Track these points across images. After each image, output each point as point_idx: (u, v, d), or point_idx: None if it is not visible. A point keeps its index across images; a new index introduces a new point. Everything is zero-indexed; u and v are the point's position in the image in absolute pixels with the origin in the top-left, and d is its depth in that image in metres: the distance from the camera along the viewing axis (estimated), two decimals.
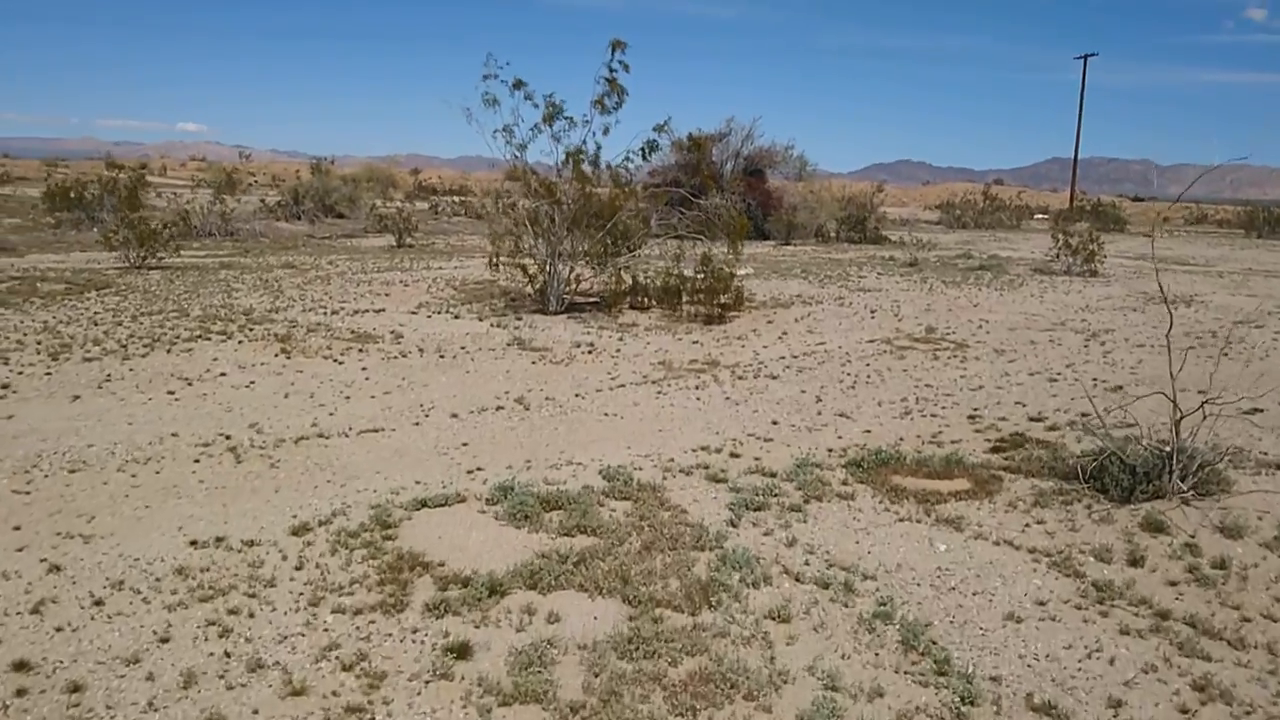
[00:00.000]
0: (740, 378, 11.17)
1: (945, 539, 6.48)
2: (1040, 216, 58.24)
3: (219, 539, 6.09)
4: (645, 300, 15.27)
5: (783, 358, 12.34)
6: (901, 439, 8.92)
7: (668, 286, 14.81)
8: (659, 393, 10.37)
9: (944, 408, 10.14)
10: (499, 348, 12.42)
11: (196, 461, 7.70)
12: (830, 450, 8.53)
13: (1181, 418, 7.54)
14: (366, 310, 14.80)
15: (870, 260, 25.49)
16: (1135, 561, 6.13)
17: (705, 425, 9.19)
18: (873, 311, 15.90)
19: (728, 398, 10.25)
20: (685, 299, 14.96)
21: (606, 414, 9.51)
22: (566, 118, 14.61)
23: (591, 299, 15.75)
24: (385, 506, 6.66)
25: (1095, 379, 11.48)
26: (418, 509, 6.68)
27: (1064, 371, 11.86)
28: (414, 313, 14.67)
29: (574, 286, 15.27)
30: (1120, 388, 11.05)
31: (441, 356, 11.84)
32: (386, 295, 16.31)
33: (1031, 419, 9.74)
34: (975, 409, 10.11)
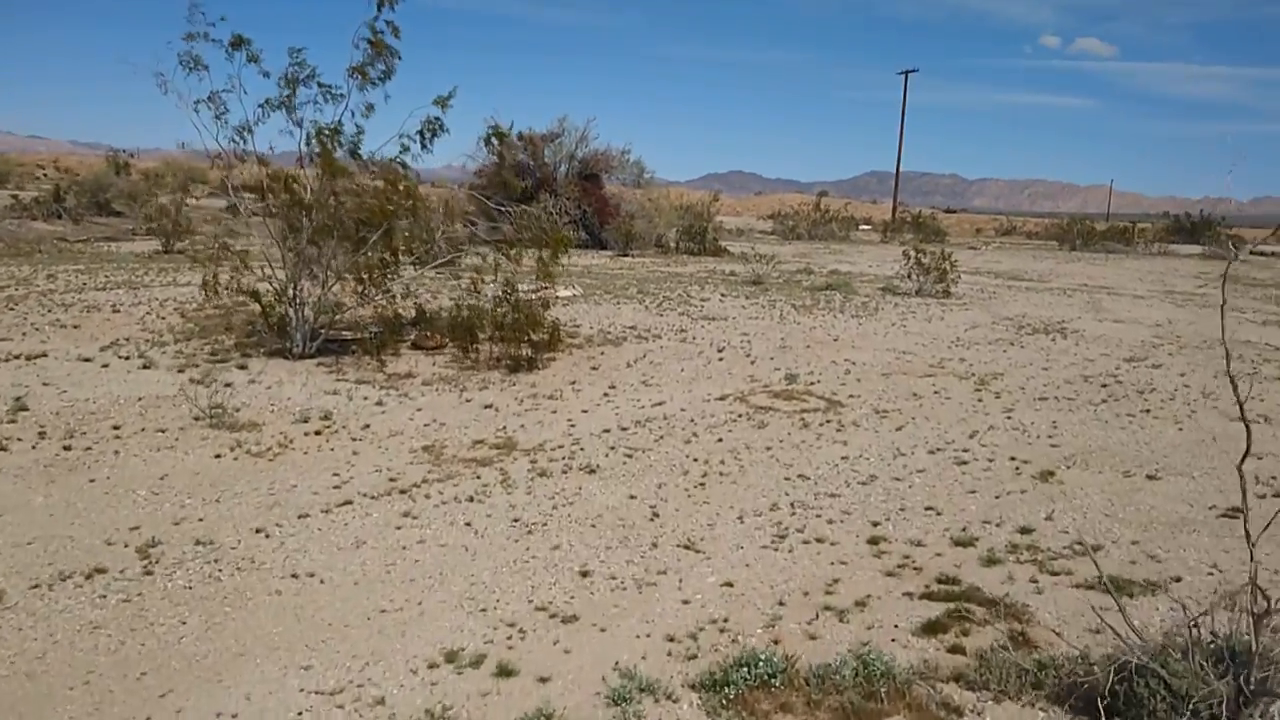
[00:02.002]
0: (542, 474, 7.28)
1: None
2: (865, 227, 57.25)
3: None
4: (433, 337, 11.14)
5: (607, 430, 8.53)
6: (780, 603, 5.26)
7: (459, 321, 10.73)
8: (407, 517, 6.32)
9: (831, 521, 6.58)
10: (174, 427, 8.03)
11: None
12: (670, 638, 4.78)
13: (1268, 612, 4.15)
14: (17, 356, 10.04)
15: (711, 275, 22.13)
16: None
17: (465, 594, 5.24)
18: (720, 350, 12.34)
19: (516, 522, 6.32)
20: (486, 336, 10.91)
21: (296, 576, 5.40)
22: (321, 87, 10.28)
23: (362, 335, 11.49)
24: None
25: (1013, 458, 8.24)
26: None
27: (969, 445, 8.58)
28: (88, 359, 10.01)
29: (331, 318, 10.94)
30: (1050, 474, 7.85)
31: (67, 449, 7.39)
32: (75, 327, 11.51)
33: (957, 541, 6.31)
34: (875, 523, 6.60)
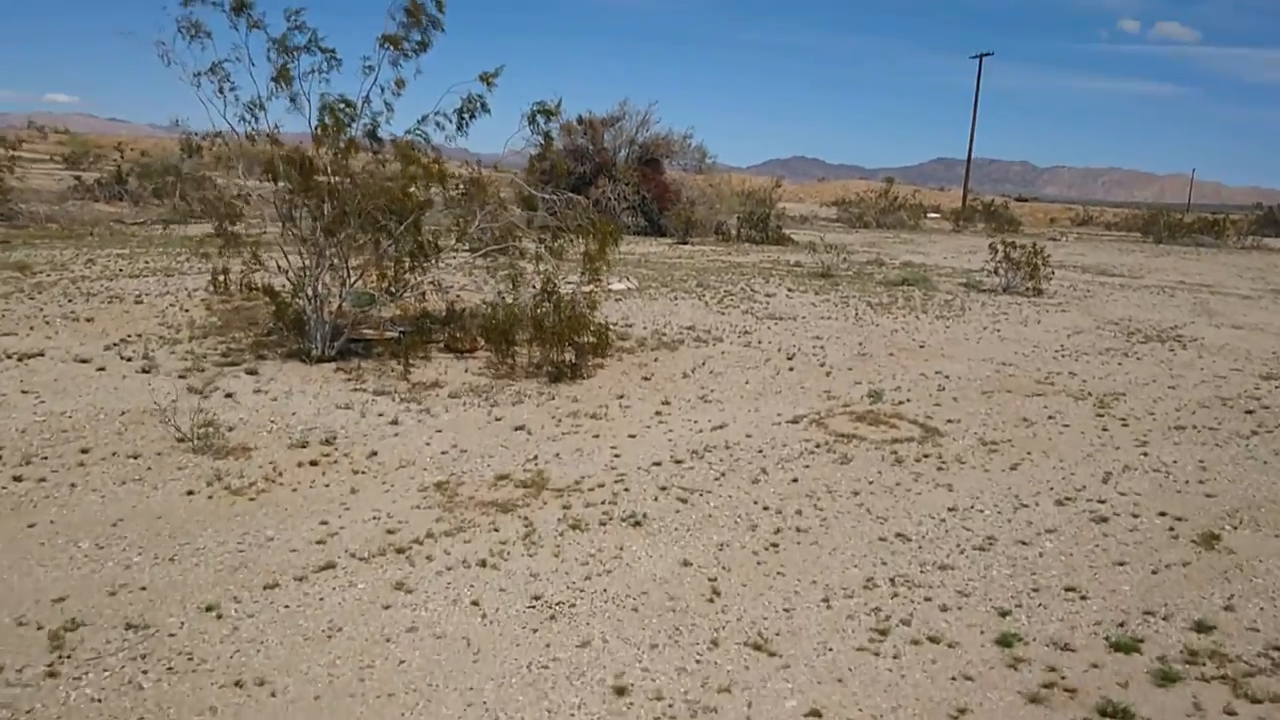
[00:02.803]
0: (575, 525, 5.79)
1: None
2: (933, 215, 54.65)
3: None
4: (466, 339, 9.71)
5: (657, 464, 7.00)
6: None
7: (494, 323, 9.28)
8: (399, 590, 4.88)
9: (946, 608, 4.98)
10: (150, 452, 6.70)
11: None
12: None
13: None
14: (12, 355, 8.86)
15: (775, 266, 20.42)
16: None
17: None
18: (790, 358, 10.71)
19: (537, 601, 4.83)
20: (525, 339, 9.43)
21: (241, 684, 3.98)
22: (324, 52, 8.85)
23: (394, 335, 10.11)
24: None
25: (1162, 513, 6.51)
26: None
27: (1104, 493, 6.87)
28: (85, 360, 8.77)
29: (354, 318, 9.56)
30: (1215, 538, 6.13)
31: (17, 479, 6.07)
32: (89, 320, 10.33)
33: (1116, 645, 4.68)
34: (1003, 611, 4.99)
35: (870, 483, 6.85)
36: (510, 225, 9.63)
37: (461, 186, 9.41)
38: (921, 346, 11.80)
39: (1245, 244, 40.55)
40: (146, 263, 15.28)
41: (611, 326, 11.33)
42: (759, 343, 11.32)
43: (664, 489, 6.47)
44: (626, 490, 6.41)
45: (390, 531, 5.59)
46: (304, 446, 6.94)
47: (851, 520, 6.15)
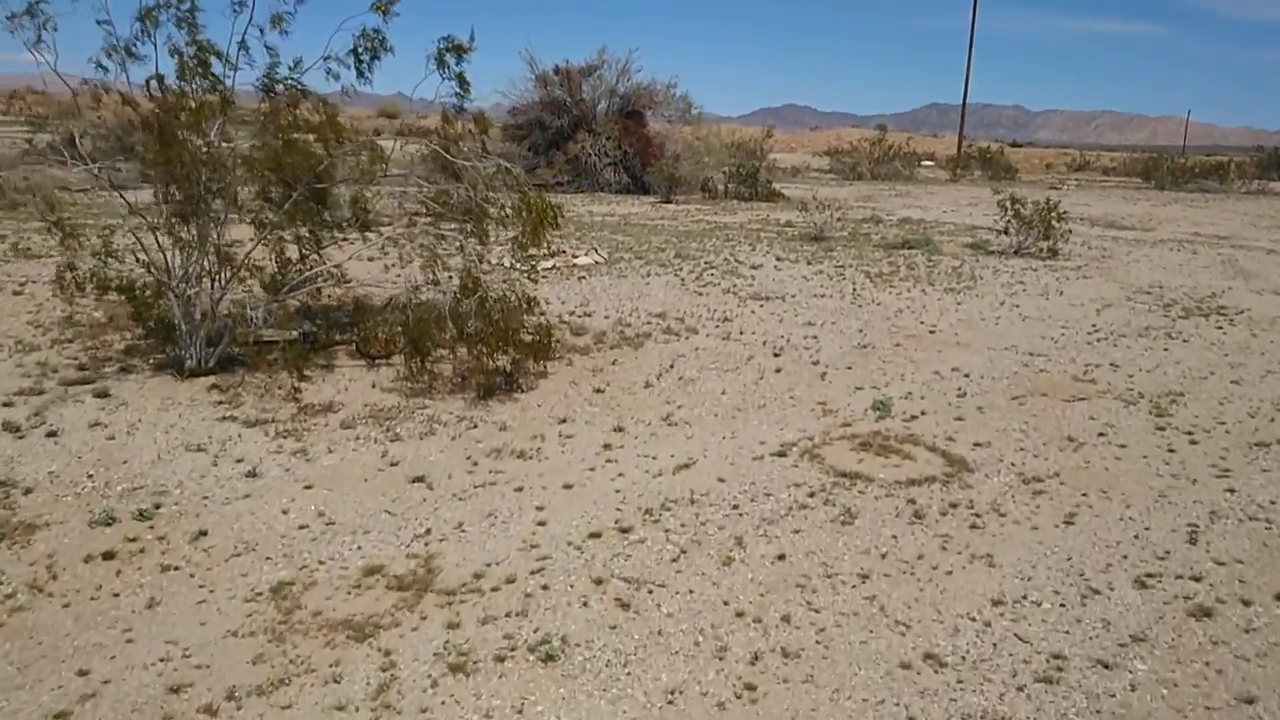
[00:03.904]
0: (458, 668, 3.85)
1: None
2: (927, 163, 52.23)
3: None
4: (379, 342, 7.70)
5: (595, 535, 5.07)
6: None
7: (404, 328, 7.24)
8: None
9: None
10: None
11: None
12: None
13: None
14: None
15: (765, 227, 18.32)
16: None
17: None
18: (777, 353, 8.73)
19: None
20: (449, 341, 7.40)
21: None
22: None
23: (294, 336, 8.08)
24: None
25: None
26: None
27: (1194, 562, 4.97)
28: None
29: (232, 320, 7.47)
30: None
31: None
32: None
33: None
34: None
35: (883, 556, 4.94)
36: (434, 198, 7.54)
37: (363, 151, 7.31)
38: (932, 332, 9.82)
39: (1251, 188, 38.36)
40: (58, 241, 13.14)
41: (565, 319, 9.34)
42: (740, 333, 9.32)
43: (599, 583, 4.55)
44: (545, 589, 4.48)
45: (175, 690, 3.67)
46: (109, 524, 4.97)
47: (861, 631, 4.24)
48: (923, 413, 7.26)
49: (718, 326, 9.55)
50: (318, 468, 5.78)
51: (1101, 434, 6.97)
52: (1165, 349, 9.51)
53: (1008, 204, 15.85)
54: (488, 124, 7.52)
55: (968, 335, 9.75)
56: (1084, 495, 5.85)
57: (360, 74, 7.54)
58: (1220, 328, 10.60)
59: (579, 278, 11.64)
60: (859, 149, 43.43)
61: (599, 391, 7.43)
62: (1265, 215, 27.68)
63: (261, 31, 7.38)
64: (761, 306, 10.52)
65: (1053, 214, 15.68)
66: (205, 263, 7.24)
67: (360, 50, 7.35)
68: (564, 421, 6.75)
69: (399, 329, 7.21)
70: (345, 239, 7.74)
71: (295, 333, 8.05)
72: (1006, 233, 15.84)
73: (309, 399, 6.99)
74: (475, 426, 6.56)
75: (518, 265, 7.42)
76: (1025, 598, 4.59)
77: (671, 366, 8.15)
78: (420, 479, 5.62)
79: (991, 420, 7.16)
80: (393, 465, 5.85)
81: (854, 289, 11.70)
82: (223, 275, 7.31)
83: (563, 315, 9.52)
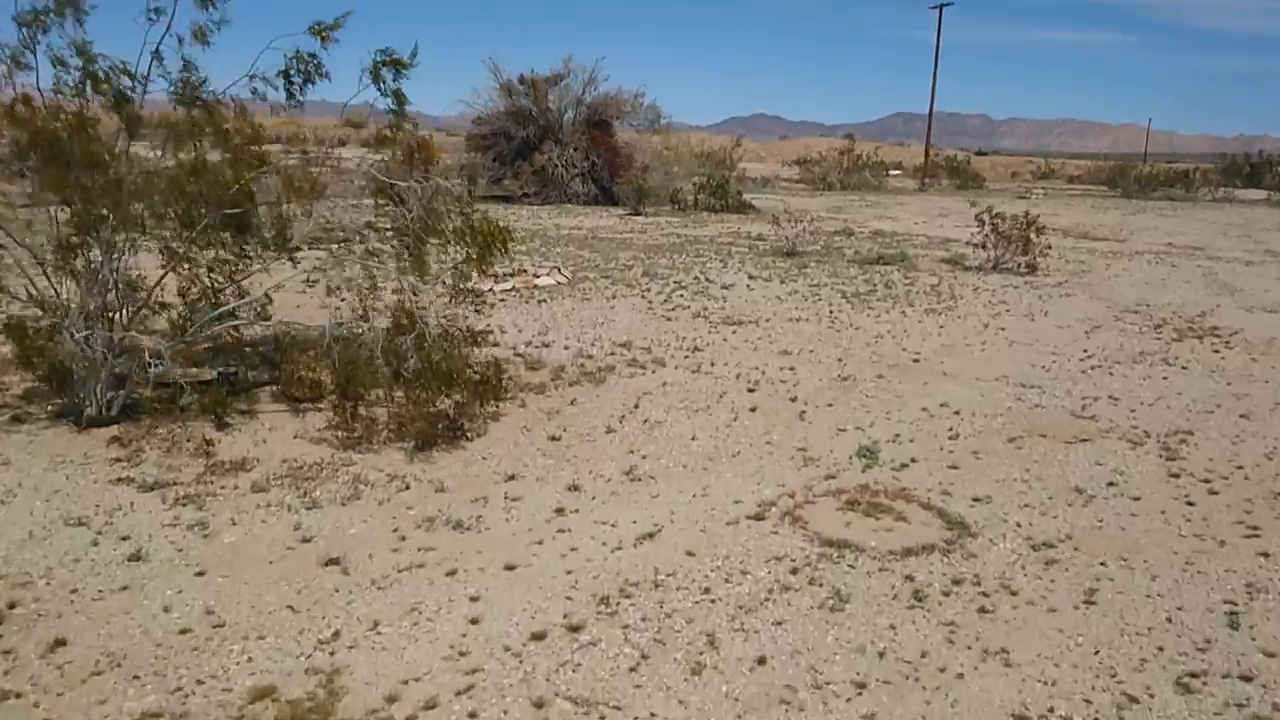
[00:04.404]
0: None
1: None
2: (895, 172, 51.93)
3: None
4: (302, 386, 6.77)
5: (539, 636, 4.17)
6: None
7: (337, 365, 6.33)
8: None
9: None
10: None
11: None
12: None
13: None
14: None
15: (735, 241, 17.56)
16: None
17: None
18: (752, 388, 7.92)
19: None
20: (383, 384, 6.48)
21: None
22: None
23: (211, 376, 7.12)
24: None
25: None
26: None
27: (1251, 662, 4.18)
28: None
29: (135, 363, 6.49)
30: None
31: None
32: None
33: None
34: None
35: (881, 655, 4.11)
36: (370, 224, 6.65)
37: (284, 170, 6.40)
38: (916, 360, 9.06)
39: (1216, 196, 38.31)
40: None
41: (521, 351, 8.48)
42: (712, 365, 8.49)
43: (540, 707, 3.67)
44: (472, 718, 3.61)
45: None
46: None
47: None
48: (913, 460, 6.46)
49: (687, 357, 8.72)
50: (216, 547, 4.86)
51: (1111, 483, 6.21)
52: (1164, 378, 8.81)
53: (985, 217, 15.19)
54: (430, 148, 6.59)
55: (954, 363, 9.00)
56: (1102, 564, 5.08)
57: (290, 95, 6.66)
58: (1217, 351, 9.94)
59: (539, 301, 10.79)
60: (828, 158, 42.92)
61: (554, 439, 6.56)
62: (1233, 224, 27.42)
63: (180, 42, 6.49)
64: (734, 333, 9.71)
65: (1031, 228, 15.05)
66: (105, 298, 6.29)
67: (291, 72, 6.47)
68: (512, 479, 5.87)
69: (325, 370, 6.27)
70: (264, 269, 6.81)
71: (213, 373, 7.13)
72: (984, 247, 15.19)
73: (222, 454, 6.05)
74: (408, 488, 5.66)
75: (462, 296, 6.51)
76: (1052, 711, 3.78)
77: (636, 407, 7.30)
78: (334, 561, 4.71)
79: (989, 468, 6.38)
80: (305, 541, 4.94)
81: (831, 311, 10.93)
82: (123, 312, 6.36)
83: (518, 347, 8.65)
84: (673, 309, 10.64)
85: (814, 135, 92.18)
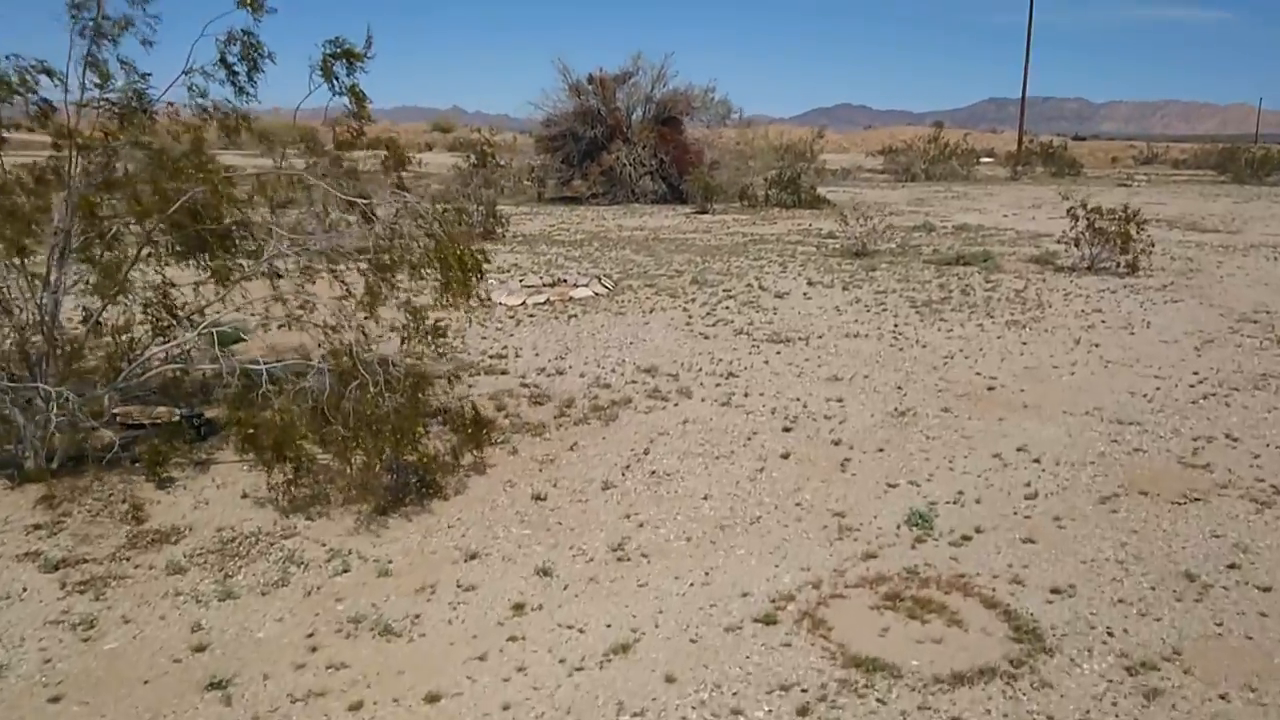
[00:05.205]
0: None
1: None
2: (987, 160, 49.01)
3: None
4: (265, 434, 5.86)
5: None
6: None
7: (275, 421, 5.36)
8: None
9: None
10: None
11: None
12: None
13: None
14: None
15: (804, 240, 16.14)
16: None
17: None
18: (788, 427, 6.66)
19: None
20: (335, 439, 5.47)
21: None
22: None
23: (176, 419, 6.29)
24: None
25: None
26: None
27: None
28: None
29: (77, 406, 5.68)
30: None
31: None
32: None
33: None
34: None
35: None
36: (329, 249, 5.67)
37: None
38: (990, 389, 7.60)
39: None
40: None
41: (528, 381, 7.40)
42: (745, 397, 7.25)
43: None
44: None
45: None
46: None
47: None
48: (978, 530, 5.11)
49: (718, 385, 7.50)
50: (90, 658, 3.93)
51: (1233, 565, 4.74)
52: None
53: (1080, 212, 13.37)
54: (401, 153, 5.56)
55: (1037, 392, 7.51)
56: (1222, 697, 3.69)
57: (239, 89, 5.73)
58: None
59: (570, 316, 9.72)
60: (914, 147, 40.57)
61: (538, 499, 5.46)
62: None
63: (115, 43, 5.64)
64: (778, 354, 8.43)
65: (1131, 224, 13.18)
66: (30, 338, 5.49)
67: (229, 58, 5.52)
68: (473, 558, 4.79)
69: (249, 436, 5.27)
70: (220, 300, 5.91)
71: (177, 414, 6.29)
72: (1078, 244, 13.39)
73: (155, 519, 5.17)
74: (346, 570, 4.64)
75: (418, 335, 5.46)
76: None
77: (646, 452, 6.13)
78: (219, 685, 3.71)
79: (1075, 542, 4.97)
80: (198, 651, 3.97)
81: (895, 325, 9.52)
82: (53, 354, 5.54)
83: (528, 375, 7.59)
84: (714, 324, 9.41)
85: (901, 124, 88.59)
